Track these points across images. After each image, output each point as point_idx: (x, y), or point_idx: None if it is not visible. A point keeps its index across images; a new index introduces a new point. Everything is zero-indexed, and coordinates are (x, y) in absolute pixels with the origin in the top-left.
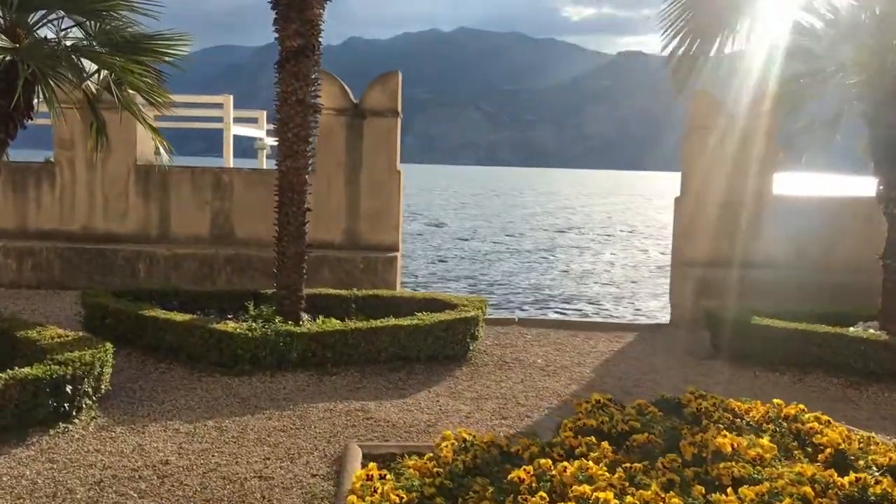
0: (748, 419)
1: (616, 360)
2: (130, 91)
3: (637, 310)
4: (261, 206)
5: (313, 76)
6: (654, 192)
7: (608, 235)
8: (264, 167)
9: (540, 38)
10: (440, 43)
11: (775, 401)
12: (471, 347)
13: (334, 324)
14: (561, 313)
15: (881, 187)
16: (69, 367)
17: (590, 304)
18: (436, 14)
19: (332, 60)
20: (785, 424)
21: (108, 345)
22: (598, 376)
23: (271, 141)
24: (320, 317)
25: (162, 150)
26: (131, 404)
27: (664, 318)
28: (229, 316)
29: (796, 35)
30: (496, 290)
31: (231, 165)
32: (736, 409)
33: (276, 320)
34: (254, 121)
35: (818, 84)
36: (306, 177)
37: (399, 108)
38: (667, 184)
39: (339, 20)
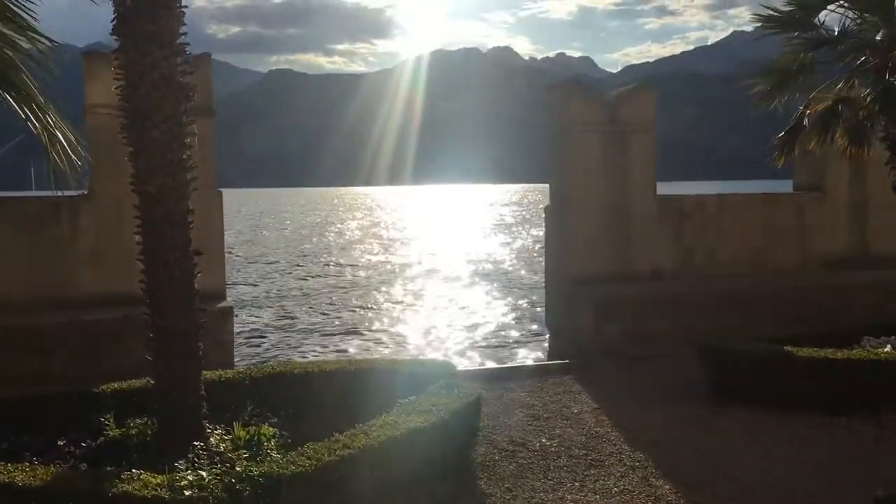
0: None
1: (630, 426)
2: None
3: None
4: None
5: (178, 41)
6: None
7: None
8: None
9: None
10: (74, 56)
11: None
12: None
13: (314, 450)
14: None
15: None
16: None
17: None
18: (67, 28)
19: None
20: None
21: None
22: (654, 459)
23: None
24: (240, 427)
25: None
26: None
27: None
28: (61, 443)
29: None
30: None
31: None
32: None
33: (213, 459)
34: None
35: (817, 56)
36: (188, 202)
37: (214, 104)
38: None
39: None
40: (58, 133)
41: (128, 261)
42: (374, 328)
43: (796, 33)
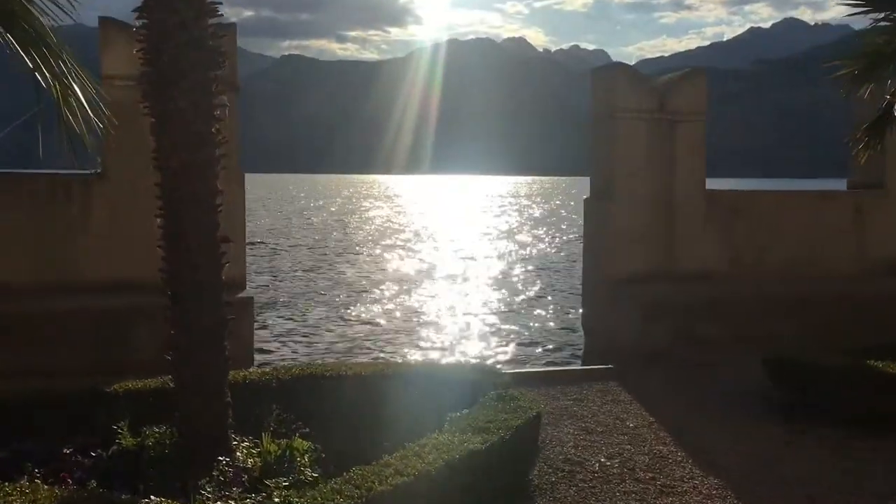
0: None
1: (696, 446)
2: None
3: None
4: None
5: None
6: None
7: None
8: None
9: None
10: (90, 37)
11: None
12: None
13: (362, 476)
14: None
15: None
16: None
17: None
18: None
19: None
20: None
21: None
22: (733, 487)
23: None
24: (269, 440)
25: None
26: None
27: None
28: (68, 451)
29: None
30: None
31: None
32: None
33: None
34: None
35: None
36: (217, 182)
37: (239, 80)
38: (360, 185)
39: None
40: (74, 86)
41: (142, 245)
42: (400, 326)
43: (886, 13)
